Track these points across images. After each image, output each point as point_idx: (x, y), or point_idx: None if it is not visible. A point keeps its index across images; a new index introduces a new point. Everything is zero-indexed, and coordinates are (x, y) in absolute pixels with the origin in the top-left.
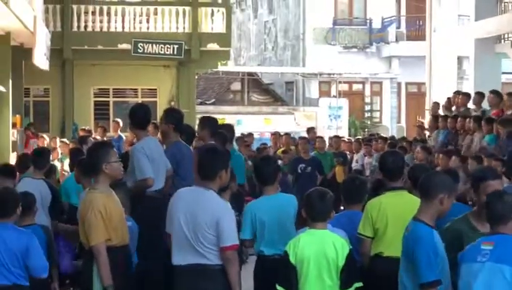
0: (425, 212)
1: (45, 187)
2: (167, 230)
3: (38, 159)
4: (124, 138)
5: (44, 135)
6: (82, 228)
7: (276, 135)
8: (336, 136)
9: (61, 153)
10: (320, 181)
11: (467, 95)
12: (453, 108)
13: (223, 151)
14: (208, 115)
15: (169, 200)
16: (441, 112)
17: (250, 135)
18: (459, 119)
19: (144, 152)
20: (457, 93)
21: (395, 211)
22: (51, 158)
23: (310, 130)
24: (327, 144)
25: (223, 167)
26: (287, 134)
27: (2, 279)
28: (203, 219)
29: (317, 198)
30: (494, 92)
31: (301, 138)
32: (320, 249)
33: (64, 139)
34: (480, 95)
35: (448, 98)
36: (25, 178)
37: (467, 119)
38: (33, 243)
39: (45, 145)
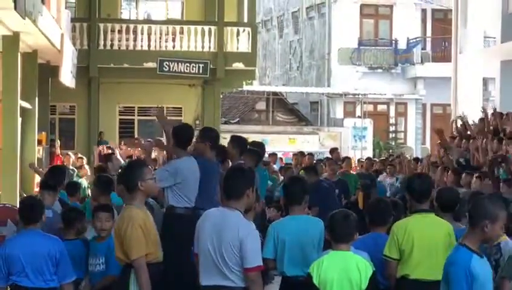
0: (469, 237)
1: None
2: (195, 250)
3: (52, 176)
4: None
5: (70, 153)
6: (118, 242)
7: (298, 155)
8: (369, 158)
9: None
10: (345, 204)
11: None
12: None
13: (249, 171)
14: (237, 134)
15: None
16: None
17: (274, 154)
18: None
19: (165, 169)
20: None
21: (421, 233)
22: (66, 175)
23: (334, 150)
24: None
25: (249, 186)
26: (310, 154)
27: (38, 282)
28: (228, 240)
29: (340, 219)
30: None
31: (328, 158)
32: (343, 271)
33: (70, 153)
34: None
35: (482, 119)
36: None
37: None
38: (60, 249)
39: (70, 163)
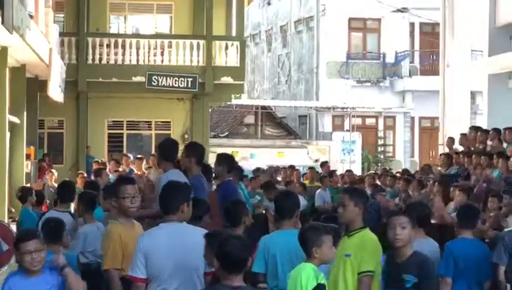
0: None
1: (70, 219)
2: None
3: (63, 192)
4: (135, 171)
5: (53, 171)
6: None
7: (286, 169)
8: (348, 171)
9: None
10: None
11: (486, 132)
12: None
13: (184, 186)
14: (224, 152)
15: None
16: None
17: (258, 170)
18: (473, 156)
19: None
20: (473, 129)
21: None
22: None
23: (324, 164)
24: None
25: (183, 201)
26: (291, 167)
27: None
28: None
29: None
30: (510, 129)
31: (323, 176)
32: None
33: (82, 171)
34: (497, 132)
35: (463, 134)
36: (52, 211)
37: (481, 157)
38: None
39: (53, 180)
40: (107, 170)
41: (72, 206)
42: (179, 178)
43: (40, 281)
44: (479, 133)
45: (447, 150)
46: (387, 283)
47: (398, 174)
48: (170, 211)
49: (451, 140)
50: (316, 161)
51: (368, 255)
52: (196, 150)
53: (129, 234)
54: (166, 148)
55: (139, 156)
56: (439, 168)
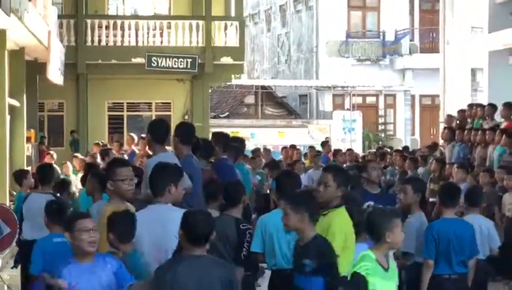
0: None
1: None
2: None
3: (44, 174)
4: (137, 152)
5: (52, 152)
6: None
7: (287, 149)
8: (349, 149)
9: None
10: None
11: (483, 107)
12: (468, 120)
13: (173, 167)
14: (219, 131)
15: None
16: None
17: (257, 150)
18: (473, 132)
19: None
20: (471, 106)
21: None
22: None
23: (325, 143)
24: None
25: (170, 182)
26: (292, 146)
27: None
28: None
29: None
30: (506, 105)
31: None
32: None
33: (77, 154)
34: (492, 107)
35: (462, 111)
36: (33, 193)
37: (486, 132)
38: None
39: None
40: (113, 151)
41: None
42: (168, 160)
43: (95, 266)
44: (478, 108)
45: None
46: (294, 266)
47: (392, 152)
48: (157, 193)
49: (450, 118)
50: (326, 138)
51: (332, 235)
52: (181, 130)
53: None
54: (158, 131)
55: (142, 135)
56: (441, 142)
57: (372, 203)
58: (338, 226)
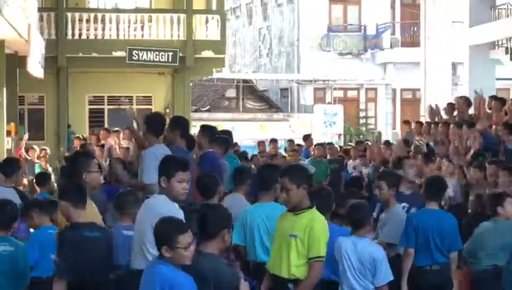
0: None
1: (15, 195)
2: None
3: (7, 167)
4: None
5: (35, 147)
6: None
7: (263, 143)
8: (329, 143)
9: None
10: None
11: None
12: (455, 113)
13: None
14: (208, 124)
15: None
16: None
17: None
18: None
19: (157, 159)
20: (461, 98)
21: None
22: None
23: (307, 137)
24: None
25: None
26: (273, 140)
27: None
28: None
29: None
30: (494, 97)
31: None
32: None
33: (35, 146)
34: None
35: (450, 104)
36: None
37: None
38: None
39: (35, 156)
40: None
41: None
42: (163, 151)
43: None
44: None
45: (428, 119)
46: None
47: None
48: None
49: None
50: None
51: (317, 239)
52: (181, 124)
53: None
54: (155, 123)
55: (116, 129)
56: (416, 137)
57: (406, 205)
58: (320, 227)
